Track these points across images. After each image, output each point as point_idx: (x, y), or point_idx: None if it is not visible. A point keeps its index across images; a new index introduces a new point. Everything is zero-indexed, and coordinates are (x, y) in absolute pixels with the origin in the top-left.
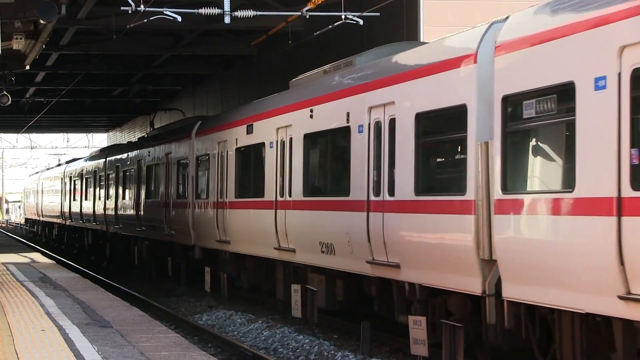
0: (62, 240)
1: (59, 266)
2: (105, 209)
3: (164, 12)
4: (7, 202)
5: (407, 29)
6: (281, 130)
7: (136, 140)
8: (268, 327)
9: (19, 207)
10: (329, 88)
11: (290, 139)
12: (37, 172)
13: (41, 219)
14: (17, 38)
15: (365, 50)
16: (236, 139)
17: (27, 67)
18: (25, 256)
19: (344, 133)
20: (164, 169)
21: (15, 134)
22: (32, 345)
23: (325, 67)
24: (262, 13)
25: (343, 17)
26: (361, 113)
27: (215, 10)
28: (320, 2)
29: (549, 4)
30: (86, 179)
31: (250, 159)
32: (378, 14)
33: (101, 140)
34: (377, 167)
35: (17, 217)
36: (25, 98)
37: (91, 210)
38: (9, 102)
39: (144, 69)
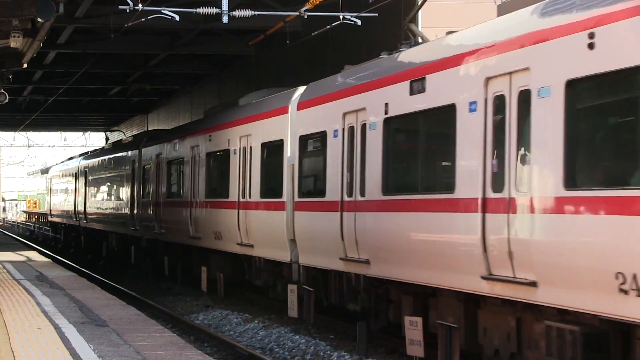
0: (127, 261)
1: (56, 265)
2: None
3: (162, 11)
4: (4, 200)
5: (405, 30)
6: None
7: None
8: (264, 327)
9: (16, 206)
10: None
11: None
12: (71, 158)
13: (81, 224)
14: (14, 36)
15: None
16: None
17: (25, 66)
18: (22, 254)
19: None
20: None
21: (13, 132)
22: (28, 343)
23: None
24: (260, 13)
25: (341, 17)
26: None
27: (213, 10)
28: (318, 2)
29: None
30: (208, 156)
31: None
32: (376, 14)
33: (98, 139)
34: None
35: (14, 215)
36: (23, 96)
37: (234, 221)
38: (7, 100)
39: (142, 68)
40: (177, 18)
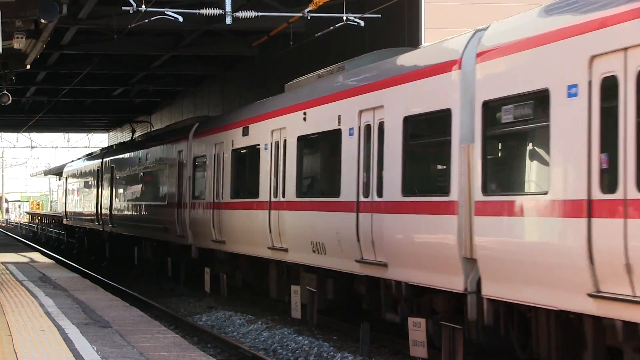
0: None
1: (59, 266)
2: None
3: (165, 12)
4: (7, 201)
5: (408, 31)
6: None
7: None
8: (267, 328)
9: (19, 207)
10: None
11: None
12: (90, 154)
13: (105, 228)
14: (18, 37)
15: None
16: None
17: (28, 67)
18: (25, 256)
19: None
20: None
21: (16, 134)
22: (31, 344)
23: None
24: (263, 14)
25: (344, 18)
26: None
27: (217, 11)
28: (321, 3)
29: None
30: (300, 142)
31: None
32: (379, 15)
33: (101, 140)
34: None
35: (16, 216)
36: (26, 97)
37: None
38: (10, 102)
39: (145, 69)
40: (181, 19)
